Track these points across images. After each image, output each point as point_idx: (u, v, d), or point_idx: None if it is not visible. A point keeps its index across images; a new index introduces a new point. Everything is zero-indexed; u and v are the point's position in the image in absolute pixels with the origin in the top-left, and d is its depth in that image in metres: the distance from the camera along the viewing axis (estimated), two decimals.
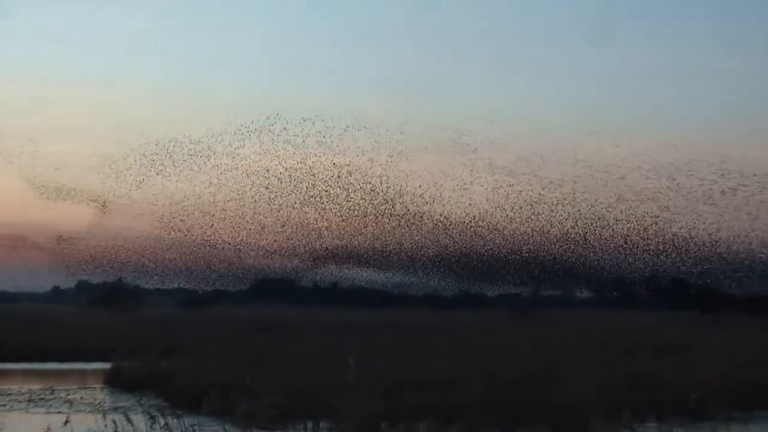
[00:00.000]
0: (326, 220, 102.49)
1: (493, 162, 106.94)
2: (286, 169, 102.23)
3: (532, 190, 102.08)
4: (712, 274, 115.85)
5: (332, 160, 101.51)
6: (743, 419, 25.60)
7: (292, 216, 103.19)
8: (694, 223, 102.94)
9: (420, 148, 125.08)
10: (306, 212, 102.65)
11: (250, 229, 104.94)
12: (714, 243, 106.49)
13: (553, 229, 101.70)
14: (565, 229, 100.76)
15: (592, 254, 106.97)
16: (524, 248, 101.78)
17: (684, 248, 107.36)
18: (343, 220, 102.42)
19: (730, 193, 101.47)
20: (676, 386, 28.34)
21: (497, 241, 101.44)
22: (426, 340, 50.85)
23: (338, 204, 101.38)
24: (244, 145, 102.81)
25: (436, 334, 57.59)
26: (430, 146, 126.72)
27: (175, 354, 40.97)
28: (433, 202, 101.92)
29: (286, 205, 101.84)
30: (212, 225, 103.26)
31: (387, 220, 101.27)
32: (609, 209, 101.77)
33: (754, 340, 52.09)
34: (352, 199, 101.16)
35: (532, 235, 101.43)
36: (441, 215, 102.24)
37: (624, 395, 26.40)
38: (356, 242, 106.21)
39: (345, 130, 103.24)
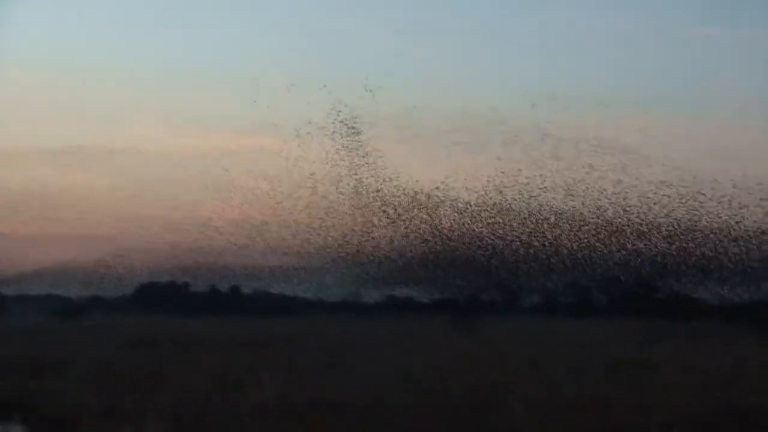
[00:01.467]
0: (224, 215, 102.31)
1: None
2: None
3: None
4: (683, 276, 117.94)
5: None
6: None
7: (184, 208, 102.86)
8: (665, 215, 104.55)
9: None
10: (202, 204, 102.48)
11: (133, 223, 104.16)
12: (687, 238, 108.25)
13: (495, 225, 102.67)
14: (508, 224, 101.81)
15: (541, 254, 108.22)
16: (461, 247, 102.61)
17: (651, 246, 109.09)
18: (243, 216, 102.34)
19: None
20: (632, 410, 28.84)
21: (429, 239, 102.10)
22: (344, 353, 51.05)
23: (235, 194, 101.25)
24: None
25: (356, 347, 57.83)
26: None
27: (44, 373, 40.62)
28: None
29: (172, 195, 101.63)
30: (83, 218, 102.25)
31: (299, 213, 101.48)
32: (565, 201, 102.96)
33: (732, 355, 53.13)
34: (253, 189, 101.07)
35: (471, 233, 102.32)
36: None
37: (570, 421, 26.83)
38: (261, 239, 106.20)
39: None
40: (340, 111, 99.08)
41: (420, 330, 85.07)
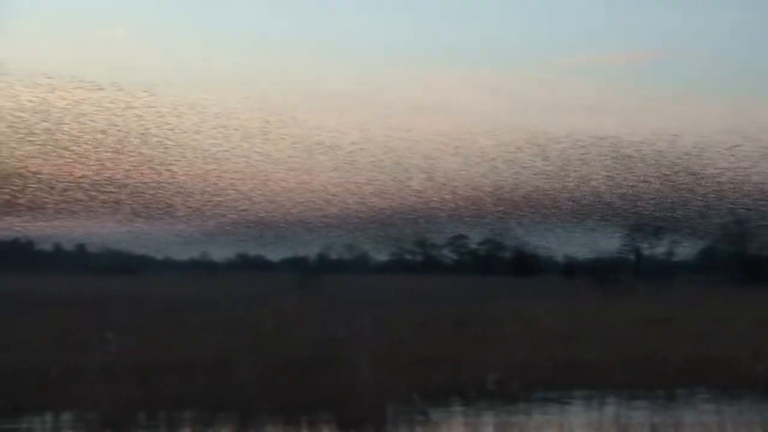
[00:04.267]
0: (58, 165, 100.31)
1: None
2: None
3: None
4: (530, 233, 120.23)
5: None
6: (560, 400, 26.91)
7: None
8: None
9: None
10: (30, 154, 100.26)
11: None
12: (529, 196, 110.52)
13: (343, 182, 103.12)
14: (352, 180, 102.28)
15: (389, 212, 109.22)
16: (305, 206, 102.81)
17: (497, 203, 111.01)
18: (82, 166, 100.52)
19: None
20: (478, 365, 29.50)
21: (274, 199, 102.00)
22: (191, 313, 50.92)
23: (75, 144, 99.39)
24: None
25: (202, 306, 57.71)
26: None
27: None
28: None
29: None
30: None
31: (142, 171, 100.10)
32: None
33: (575, 309, 54.66)
34: (97, 139, 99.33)
35: (319, 190, 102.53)
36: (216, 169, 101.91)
37: (417, 377, 27.36)
38: (107, 195, 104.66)
39: None
40: None
41: (268, 288, 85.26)
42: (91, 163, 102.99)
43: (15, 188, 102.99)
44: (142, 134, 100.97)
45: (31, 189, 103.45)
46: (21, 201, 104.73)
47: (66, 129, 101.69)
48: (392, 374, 27.00)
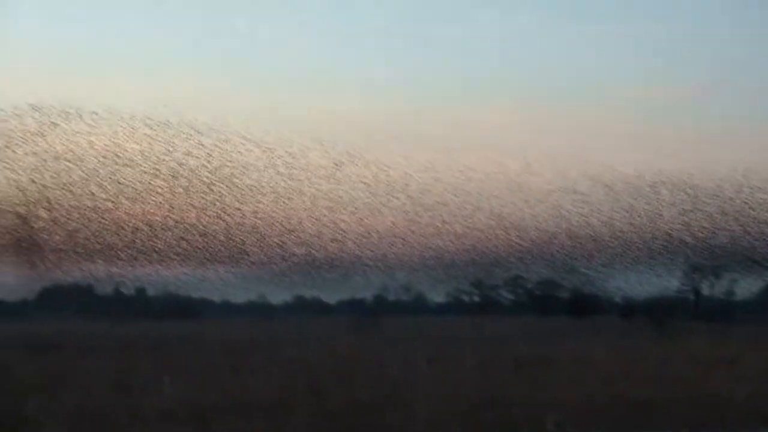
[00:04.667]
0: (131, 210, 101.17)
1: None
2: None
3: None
4: (584, 273, 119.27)
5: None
6: None
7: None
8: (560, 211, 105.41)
9: None
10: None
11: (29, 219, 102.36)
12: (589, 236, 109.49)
13: (395, 224, 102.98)
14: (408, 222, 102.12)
15: (449, 252, 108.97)
16: (364, 247, 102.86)
17: (553, 244, 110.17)
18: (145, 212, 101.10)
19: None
20: (537, 406, 29.34)
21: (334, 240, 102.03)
22: (249, 355, 51.04)
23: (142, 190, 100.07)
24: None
25: (261, 349, 57.84)
26: None
27: None
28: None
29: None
30: None
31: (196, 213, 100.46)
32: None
33: (634, 349, 54.18)
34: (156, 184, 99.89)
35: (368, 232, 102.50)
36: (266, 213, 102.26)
37: (475, 418, 27.25)
38: (164, 237, 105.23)
39: None
40: None
41: (326, 330, 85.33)
42: (155, 205, 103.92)
43: (77, 230, 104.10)
44: (209, 175, 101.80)
45: (94, 231, 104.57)
46: (83, 244, 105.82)
47: (129, 170, 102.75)
48: (451, 416, 26.91)
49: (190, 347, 61.82)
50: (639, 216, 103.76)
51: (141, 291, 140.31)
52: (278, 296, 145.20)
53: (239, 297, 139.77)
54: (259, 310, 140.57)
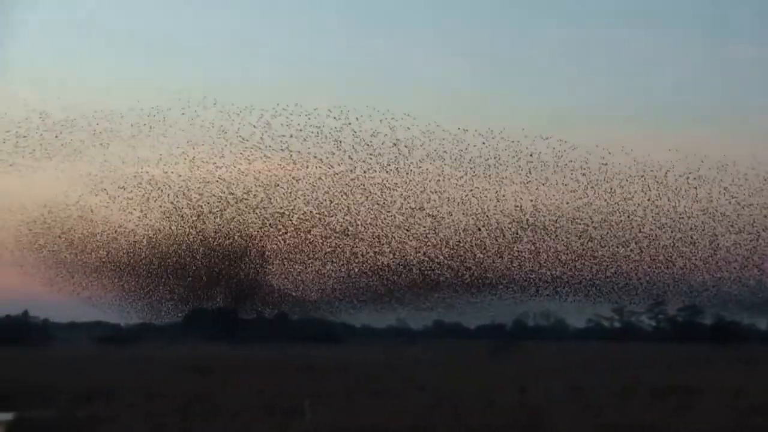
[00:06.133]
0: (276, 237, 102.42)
1: None
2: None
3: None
4: (728, 301, 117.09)
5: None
6: None
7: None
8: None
9: None
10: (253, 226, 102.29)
11: (181, 252, 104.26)
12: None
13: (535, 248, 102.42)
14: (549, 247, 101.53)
15: (586, 277, 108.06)
16: (507, 272, 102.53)
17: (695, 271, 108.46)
18: (294, 236, 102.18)
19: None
20: None
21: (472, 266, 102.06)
22: (389, 379, 51.29)
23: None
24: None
25: (401, 373, 58.03)
26: None
27: (93, 400, 40.97)
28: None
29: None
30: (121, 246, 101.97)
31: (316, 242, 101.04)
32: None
33: None
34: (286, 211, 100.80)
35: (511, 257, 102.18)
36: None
37: None
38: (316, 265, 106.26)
39: None
40: None
41: (464, 355, 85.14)
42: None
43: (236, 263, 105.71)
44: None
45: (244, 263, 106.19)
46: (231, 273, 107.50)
47: (288, 203, 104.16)
48: None
49: (332, 370, 62.38)
50: None
51: (282, 315, 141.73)
52: (417, 322, 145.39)
53: (376, 322, 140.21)
54: (398, 334, 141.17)
